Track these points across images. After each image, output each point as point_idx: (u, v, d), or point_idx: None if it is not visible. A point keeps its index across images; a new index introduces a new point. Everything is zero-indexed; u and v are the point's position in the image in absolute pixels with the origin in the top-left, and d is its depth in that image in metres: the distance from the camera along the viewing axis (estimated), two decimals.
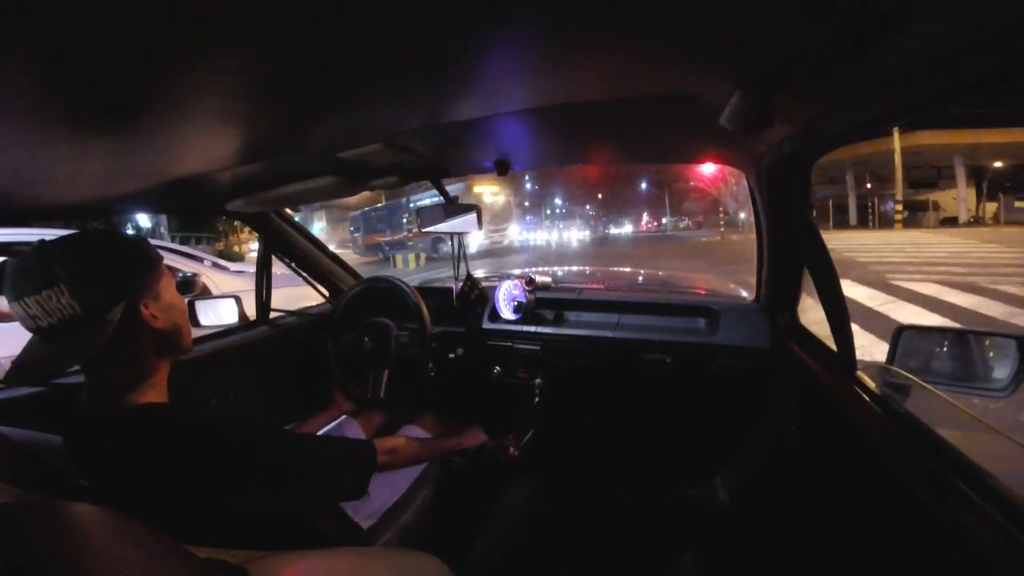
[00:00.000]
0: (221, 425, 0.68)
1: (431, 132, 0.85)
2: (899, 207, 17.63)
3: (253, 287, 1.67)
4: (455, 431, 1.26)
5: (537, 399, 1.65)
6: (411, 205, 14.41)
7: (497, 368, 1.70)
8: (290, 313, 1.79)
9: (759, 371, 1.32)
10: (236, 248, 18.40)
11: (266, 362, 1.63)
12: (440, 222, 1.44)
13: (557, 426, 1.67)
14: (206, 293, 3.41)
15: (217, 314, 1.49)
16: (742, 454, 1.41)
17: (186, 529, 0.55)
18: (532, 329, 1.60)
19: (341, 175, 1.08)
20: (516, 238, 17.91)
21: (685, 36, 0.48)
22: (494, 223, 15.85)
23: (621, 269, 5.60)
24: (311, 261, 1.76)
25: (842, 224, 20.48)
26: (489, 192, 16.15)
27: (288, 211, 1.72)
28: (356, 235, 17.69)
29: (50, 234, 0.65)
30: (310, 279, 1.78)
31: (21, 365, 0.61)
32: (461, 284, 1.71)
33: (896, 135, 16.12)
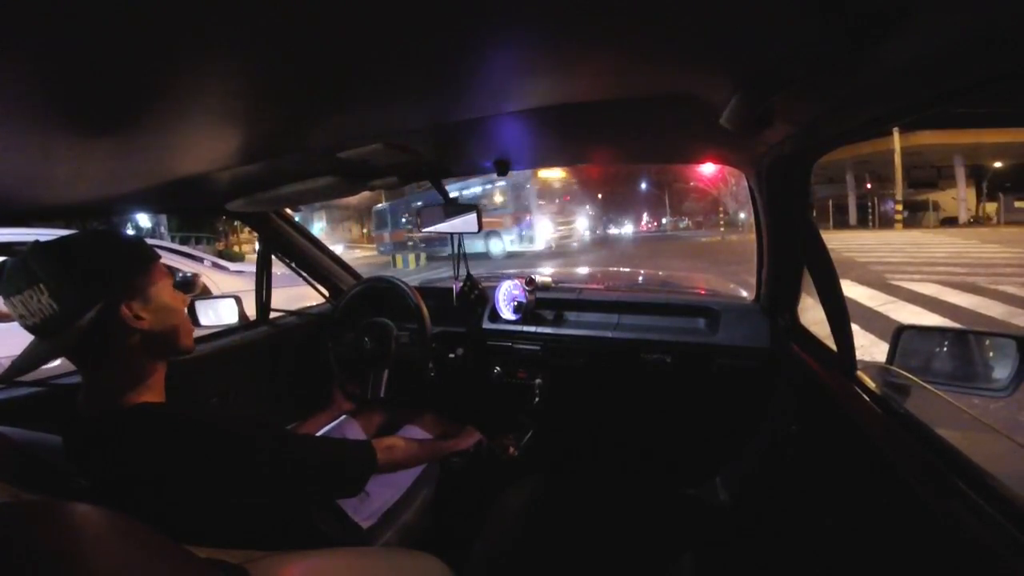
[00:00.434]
0: (219, 424, 0.68)
1: (431, 132, 0.85)
2: (899, 207, 17.62)
3: (253, 287, 1.67)
4: (455, 431, 1.26)
5: (537, 399, 1.65)
6: (459, 193, 11.70)
7: (497, 368, 1.70)
8: (290, 313, 1.79)
9: (759, 371, 1.32)
10: (236, 248, 18.39)
11: (266, 362, 1.63)
12: (440, 222, 1.44)
13: (557, 426, 1.67)
14: (206, 293, 3.41)
15: (217, 314, 1.49)
16: (742, 454, 1.41)
17: (186, 529, 0.55)
18: (532, 329, 1.60)
19: (341, 175, 1.08)
20: (584, 235, 14.44)
21: (685, 36, 0.48)
22: (563, 214, 12.92)
23: (621, 269, 5.59)
24: (311, 261, 1.76)
25: (842, 224, 20.47)
26: (556, 179, 12.92)
27: (288, 211, 1.72)
28: (382, 232, 15.20)
29: (50, 234, 0.65)
30: (310, 279, 1.78)
31: (15, 361, 0.64)
32: (461, 284, 1.71)
33: (896, 135, 16.11)
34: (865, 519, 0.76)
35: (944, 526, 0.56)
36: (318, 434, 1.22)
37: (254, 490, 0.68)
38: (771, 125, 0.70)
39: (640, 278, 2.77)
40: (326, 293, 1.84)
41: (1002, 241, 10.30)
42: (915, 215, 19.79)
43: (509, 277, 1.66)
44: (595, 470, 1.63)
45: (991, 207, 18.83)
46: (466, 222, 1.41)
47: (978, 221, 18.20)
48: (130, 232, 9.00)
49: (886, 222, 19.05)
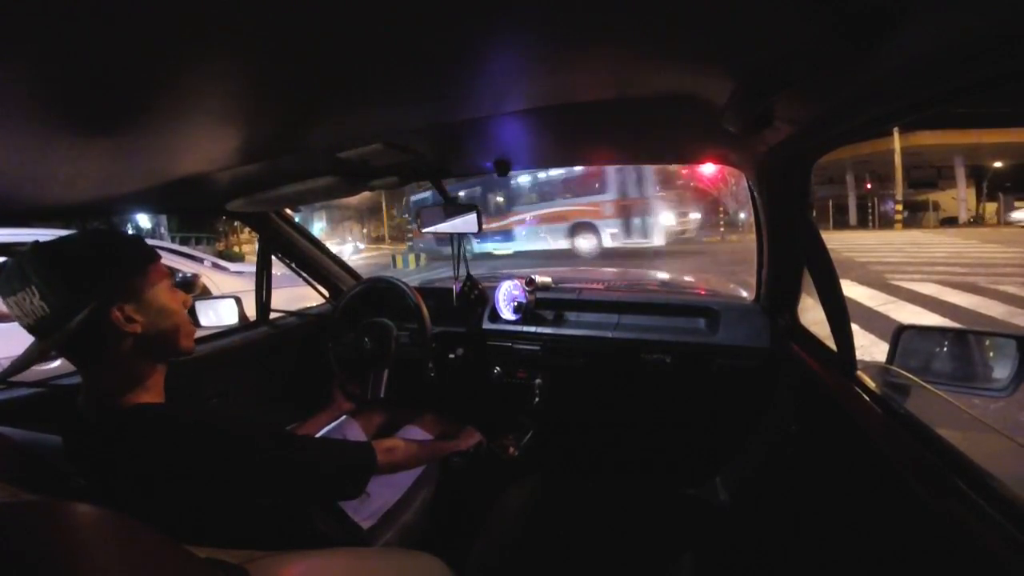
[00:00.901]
0: (218, 425, 0.68)
1: (431, 132, 0.85)
2: (899, 207, 17.61)
3: (253, 287, 1.67)
4: (455, 432, 1.26)
5: (537, 399, 1.65)
6: (541, 176, 9.95)
7: (497, 368, 1.70)
8: (290, 313, 1.79)
9: (759, 371, 1.32)
10: (236, 248, 18.38)
11: (266, 362, 1.63)
12: (440, 222, 1.44)
13: (557, 426, 1.67)
14: (206, 293, 3.41)
15: (217, 314, 1.49)
16: (742, 454, 1.41)
17: (186, 529, 0.55)
18: (532, 329, 1.60)
19: (341, 175, 1.08)
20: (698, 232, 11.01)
21: (685, 36, 0.48)
22: (683, 204, 9.92)
23: (621, 269, 5.59)
24: (311, 261, 1.76)
25: (842, 224, 20.45)
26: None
27: (288, 211, 1.72)
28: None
29: (50, 234, 0.65)
30: (310, 279, 1.78)
31: (14, 361, 0.65)
32: (461, 284, 1.71)
33: (896, 135, 16.09)
34: (865, 519, 0.76)
35: (944, 526, 0.56)
36: (318, 435, 1.22)
37: (254, 491, 0.68)
38: (771, 125, 0.70)
39: (640, 278, 2.77)
40: (326, 293, 1.84)
41: (1002, 241, 10.31)
42: (915, 215, 19.79)
43: (509, 277, 1.66)
44: (595, 470, 1.63)
45: (991, 207, 18.83)
46: (466, 222, 1.41)
47: (977, 221, 18.19)
48: (129, 232, 8.99)
49: (886, 222, 19.05)
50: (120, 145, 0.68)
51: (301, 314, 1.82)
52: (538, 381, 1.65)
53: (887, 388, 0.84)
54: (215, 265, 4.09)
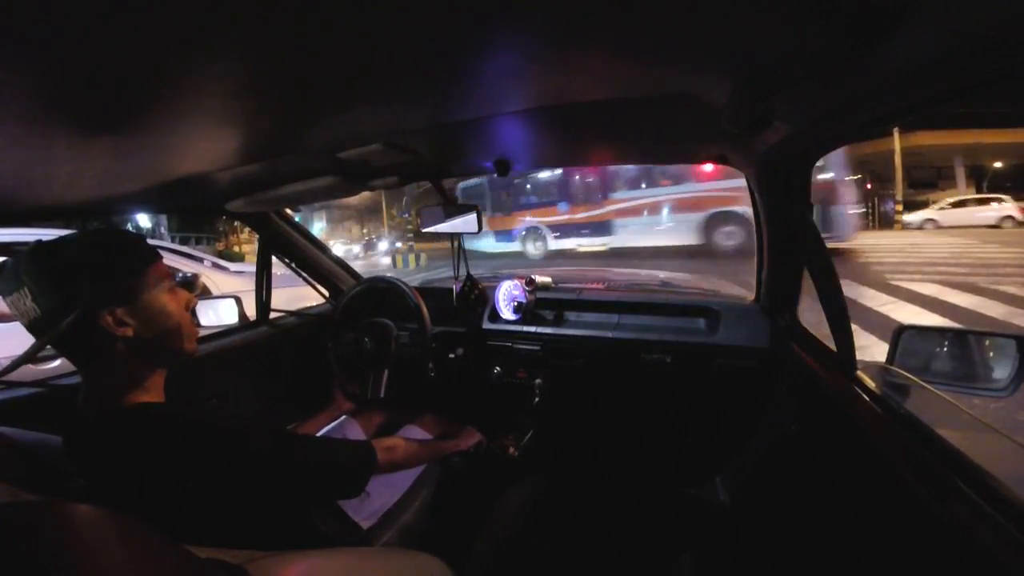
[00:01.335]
0: (218, 424, 0.68)
1: (431, 132, 0.85)
2: (899, 207, 17.60)
3: (253, 287, 1.67)
4: (455, 432, 1.26)
5: (537, 399, 1.65)
6: None
7: (497, 368, 1.70)
8: (290, 313, 1.79)
9: (759, 371, 1.32)
10: (236, 248, 18.37)
11: (266, 362, 1.62)
12: (440, 222, 1.44)
13: (557, 426, 1.67)
14: (206, 293, 3.41)
15: (217, 314, 1.49)
16: (742, 454, 1.41)
17: (186, 529, 0.55)
18: (532, 329, 1.60)
19: (341, 175, 1.08)
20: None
21: (685, 36, 0.48)
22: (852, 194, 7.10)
23: (621, 269, 5.58)
24: (311, 261, 1.76)
25: None
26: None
27: (288, 211, 1.72)
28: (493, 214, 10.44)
29: (50, 234, 0.65)
30: (310, 279, 1.78)
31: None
32: (461, 284, 1.71)
33: (896, 135, 16.08)
34: (865, 519, 0.76)
35: (944, 526, 0.56)
36: (318, 434, 1.22)
37: (254, 490, 0.68)
38: (771, 125, 0.70)
39: (640, 278, 2.77)
40: (326, 293, 1.84)
41: (1002, 241, 10.30)
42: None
43: (509, 277, 1.66)
44: (595, 470, 1.63)
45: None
46: (466, 222, 1.41)
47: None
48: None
49: (886, 222, 19.02)
50: (120, 145, 0.68)
51: (301, 314, 1.82)
52: (538, 381, 1.65)
53: (887, 388, 0.84)
54: (215, 265, 4.09)
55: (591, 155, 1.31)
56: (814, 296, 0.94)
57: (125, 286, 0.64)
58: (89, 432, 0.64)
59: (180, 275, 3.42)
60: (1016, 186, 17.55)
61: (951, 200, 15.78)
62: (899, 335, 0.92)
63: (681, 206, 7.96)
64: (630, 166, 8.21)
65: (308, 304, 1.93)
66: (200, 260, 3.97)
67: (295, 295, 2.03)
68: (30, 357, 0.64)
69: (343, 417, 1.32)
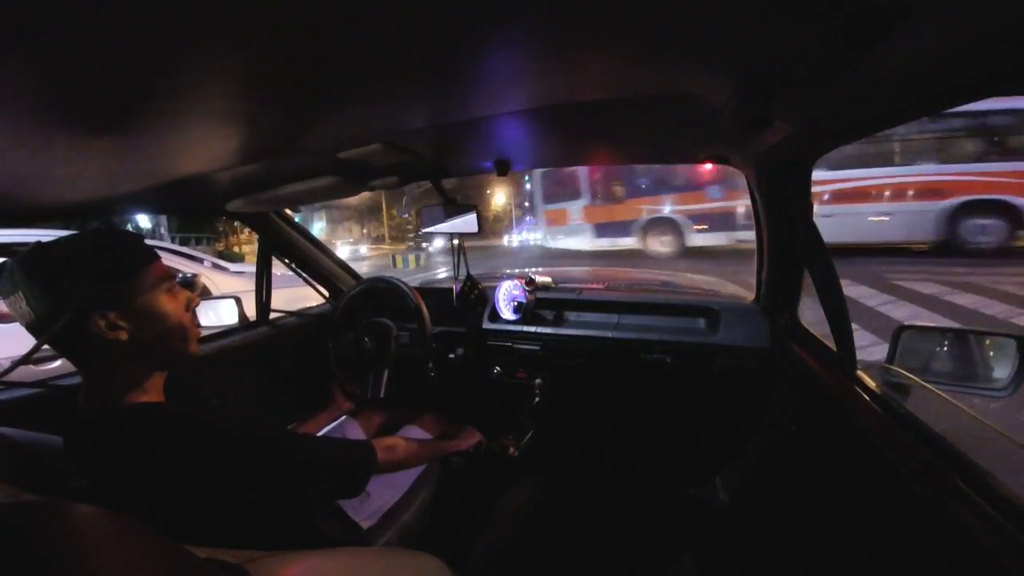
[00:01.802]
0: (218, 424, 0.67)
1: (431, 132, 0.85)
2: None
3: (253, 288, 1.67)
4: (455, 432, 1.26)
5: (537, 399, 1.65)
6: None
7: (497, 368, 1.70)
8: (290, 314, 1.79)
9: (759, 371, 1.32)
10: (236, 249, 18.35)
11: (266, 362, 1.62)
12: (440, 222, 1.44)
13: (557, 426, 1.67)
14: (206, 294, 3.41)
15: (217, 315, 1.50)
16: (742, 454, 1.41)
17: (186, 529, 0.55)
18: (532, 329, 1.60)
19: (341, 175, 1.08)
20: None
21: (685, 36, 0.48)
22: None
23: (621, 269, 5.56)
24: (311, 261, 1.76)
25: None
26: None
27: (288, 211, 1.72)
28: (565, 206, 8.49)
29: (50, 234, 0.65)
30: (310, 279, 1.78)
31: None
32: (461, 284, 1.71)
33: None
34: (865, 519, 0.76)
35: (944, 526, 0.56)
36: (318, 434, 1.22)
37: (254, 490, 0.68)
38: (771, 125, 0.70)
39: (640, 278, 2.77)
40: (326, 293, 1.84)
41: None
42: None
43: (509, 277, 1.66)
44: (595, 470, 1.63)
45: None
46: (466, 222, 1.41)
47: None
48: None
49: None
50: (120, 145, 0.68)
51: (301, 314, 1.82)
52: (538, 381, 1.65)
53: (887, 388, 0.84)
54: (215, 265, 4.09)
55: (591, 155, 1.31)
56: (814, 296, 0.94)
57: (117, 288, 0.63)
58: (89, 432, 0.64)
59: (180, 275, 3.42)
60: None
61: None
62: (899, 335, 0.91)
63: (908, 192, 5.85)
64: None
65: (308, 304, 1.93)
66: (200, 260, 3.97)
67: (295, 295, 2.04)
68: (28, 358, 0.65)
69: (343, 417, 1.32)
